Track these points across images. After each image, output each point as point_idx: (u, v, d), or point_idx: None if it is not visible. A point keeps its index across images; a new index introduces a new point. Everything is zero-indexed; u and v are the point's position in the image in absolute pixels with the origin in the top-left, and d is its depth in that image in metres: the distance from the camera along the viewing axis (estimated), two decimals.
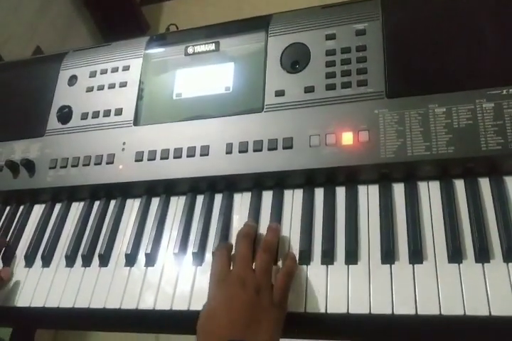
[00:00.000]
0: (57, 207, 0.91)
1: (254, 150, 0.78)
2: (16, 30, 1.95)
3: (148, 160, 0.84)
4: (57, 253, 0.85)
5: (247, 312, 0.63)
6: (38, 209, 0.93)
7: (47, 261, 0.84)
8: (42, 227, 0.89)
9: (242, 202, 0.80)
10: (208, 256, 0.76)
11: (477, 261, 0.63)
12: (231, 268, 0.69)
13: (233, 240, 0.74)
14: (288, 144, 0.76)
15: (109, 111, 0.91)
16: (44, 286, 0.81)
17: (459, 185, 0.70)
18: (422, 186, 0.72)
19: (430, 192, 0.71)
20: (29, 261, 0.85)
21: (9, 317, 0.83)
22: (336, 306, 0.65)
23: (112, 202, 0.88)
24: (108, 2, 2.46)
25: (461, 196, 0.69)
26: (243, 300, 0.64)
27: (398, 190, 0.72)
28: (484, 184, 0.69)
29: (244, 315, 0.63)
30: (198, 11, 2.46)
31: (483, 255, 0.63)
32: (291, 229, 0.74)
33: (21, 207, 0.95)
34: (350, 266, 0.67)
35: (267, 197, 0.79)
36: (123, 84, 0.92)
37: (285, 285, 0.67)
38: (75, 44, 2.23)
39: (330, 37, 0.81)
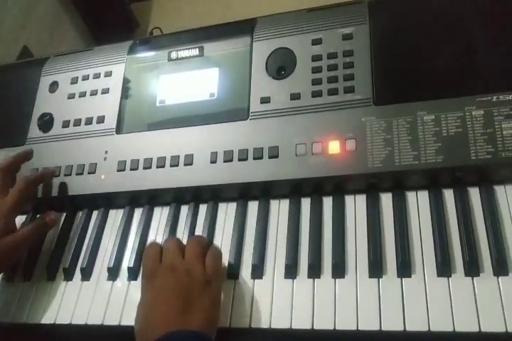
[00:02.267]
0: None
1: (240, 160, 0.78)
2: (1, 29, 1.94)
3: (131, 169, 0.83)
4: (38, 266, 0.85)
5: (179, 299, 0.62)
6: (18, 221, 0.92)
7: (28, 275, 0.84)
8: None
9: (227, 212, 0.80)
10: None
11: (466, 274, 0.63)
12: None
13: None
14: (274, 153, 0.76)
15: (91, 118, 0.90)
16: (24, 301, 0.81)
17: (448, 194, 0.70)
18: (411, 196, 0.72)
19: (419, 202, 0.71)
20: (9, 275, 0.85)
21: None
22: (322, 322, 0.65)
23: (95, 213, 0.88)
24: None
25: (450, 206, 0.69)
26: (173, 286, 0.64)
27: (386, 200, 0.72)
28: (474, 194, 0.69)
29: (177, 302, 0.62)
30: (188, 8, 2.45)
31: (472, 268, 0.63)
32: (277, 240, 0.74)
33: None
34: (337, 279, 0.67)
35: (253, 207, 0.79)
36: (105, 91, 0.92)
37: (216, 260, 0.69)
38: (63, 42, 2.23)
39: (316, 42, 0.81)
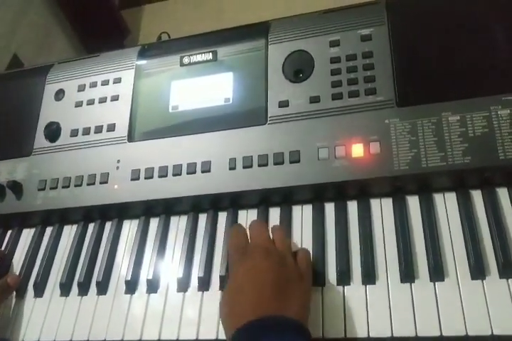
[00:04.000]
0: (48, 230, 0.92)
1: (259, 165, 0.79)
2: None
3: (146, 178, 0.85)
4: (50, 281, 0.86)
5: (275, 283, 0.62)
6: (27, 234, 0.93)
7: (40, 291, 0.84)
8: (32, 253, 0.89)
9: (247, 219, 0.81)
10: (215, 280, 0.76)
11: (501, 276, 0.65)
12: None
13: None
14: (295, 158, 0.77)
15: (101, 127, 0.92)
16: (38, 318, 0.82)
17: (477, 196, 0.72)
18: (438, 198, 0.73)
19: (447, 204, 0.73)
20: (20, 290, 0.86)
21: None
22: (355, 330, 0.66)
23: (108, 224, 0.89)
24: (85, 7, 2.47)
25: (479, 207, 0.71)
26: (270, 271, 0.63)
27: (413, 202, 0.74)
28: (503, 194, 0.71)
29: (273, 286, 0.62)
30: (180, 15, 2.48)
31: (507, 270, 0.64)
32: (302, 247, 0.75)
33: (9, 232, 0.95)
34: (367, 286, 0.69)
35: (274, 213, 0.80)
36: (115, 98, 0.93)
37: (307, 254, 0.70)
38: (53, 50, 2.25)
39: (334, 43, 0.83)
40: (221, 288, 0.75)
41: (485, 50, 0.75)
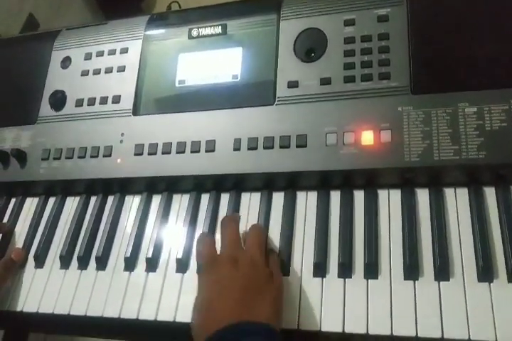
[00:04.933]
0: (51, 201, 0.85)
1: (265, 148, 0.71)
2: None
3: (149, 154, 0.77)
4: (51, 252, 0.79)
5: (245, 291, 0.59)
6: (30, 203, 0.87)
7: (40, 262, 0.78)
8: (35, 223, 0.83)
9: (250, 203, 0.74)
10: None
11: (510, 280, 0.58)
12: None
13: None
14: (302, 142, 0.70)
15: (106, 98, 0.83)
16: (37, 289, 0.76)
17: (490, 193, 0.64)
18: (449, 193, 0.66)
19: (458, 199, 0.65)
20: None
21: (1, 320, 0.77)
22: (354, 326, 0.59)
23: (110, 198, 0.82)
24: None
25: (491, 205, 0.64)
26: (237, 279, 0.60)
27: (422, 195, 0.67)
28: None
29: (241, 294, 0.58)
30: None
31: None
32: (304, 235, 0.68)
33: (13, 200, 0.88)
34: (369, 280, 0.62)
35: (278, 198, 0.73)
36: (121, 69, 0.84)
37: (277, 256, 0.66)
38: (70, 11, 2.12)
39: (349, 23, 0.73)
40: None
41: (509, 40, 0.65)
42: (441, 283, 0.59)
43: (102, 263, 0.75)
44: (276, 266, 0.64)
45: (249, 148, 0.72)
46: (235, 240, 0.66)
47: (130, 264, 0.73)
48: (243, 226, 0.71)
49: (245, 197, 0.74)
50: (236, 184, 0.75)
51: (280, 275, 0.64)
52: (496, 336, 0.55)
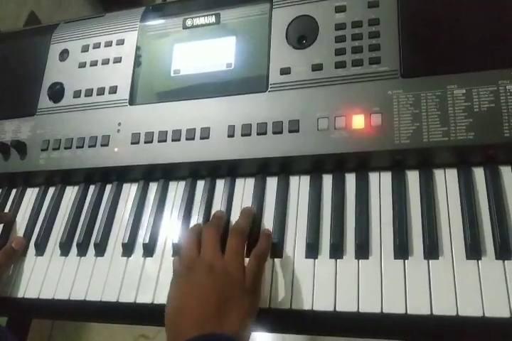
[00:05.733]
0: (51, 190, 0.87)
1: (258, 134, 0.73)
2: None
3: (145, 142, 0.79)
4: (51, 240, 0.81)
5: (216, 300, 0.58)
6: (30, 193, 0.89)
7: (41, 249, 0.80)
8: (36, 212, 0.85)
9: (245, 188, 0.75)
10: None
11: (498, 257, 0.59)
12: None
13: None
14: (294, 127, 0.71)
15: (103, 88, 0.85)
16: (38, 276, 0.78)
17: (479, 173, 0.65)
18: (438, 174, 0.67)
19: (447, 180, 0.66)
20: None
21: (3, 307, 0.79)
22: (345, 304, 0.61)
23: (108, 187, 0.83)
24: None
25: (480, 185, 0.65)
26: (210, 288, 0.60)
27: (412, 177, 0.68)
28: (506, 173, 0.65)
29: (213, 302, 0.58)
30: None
31: (504, 251, 0.59)
32: (297, 218, 0.70)
33: (14, 191, 0.90)
34: (360, 260, 0.63)
35: (272, 183, 0.74)
36: (117, 60, 0.86)
37: (257, 268, 0.63)
38: (71, 6, 2.15)
39: (340, 9, 0.74)
40: None
41: (497, 21, 0.67)
42: (430, 261, 0.61)
43: (100, 250, 0.76)
44: (255, 278, 0.62)
45: (243, 135, 0.73)
46: (212, 243, 0.65)
47: (128, 250, 0.75)
48: (236, 212, 0.73)
49: (240, 182, 0.76)
50: (230, 170, 0.76)
51: (258, 288, 0.63)
52: (483, 311, 0.56)
